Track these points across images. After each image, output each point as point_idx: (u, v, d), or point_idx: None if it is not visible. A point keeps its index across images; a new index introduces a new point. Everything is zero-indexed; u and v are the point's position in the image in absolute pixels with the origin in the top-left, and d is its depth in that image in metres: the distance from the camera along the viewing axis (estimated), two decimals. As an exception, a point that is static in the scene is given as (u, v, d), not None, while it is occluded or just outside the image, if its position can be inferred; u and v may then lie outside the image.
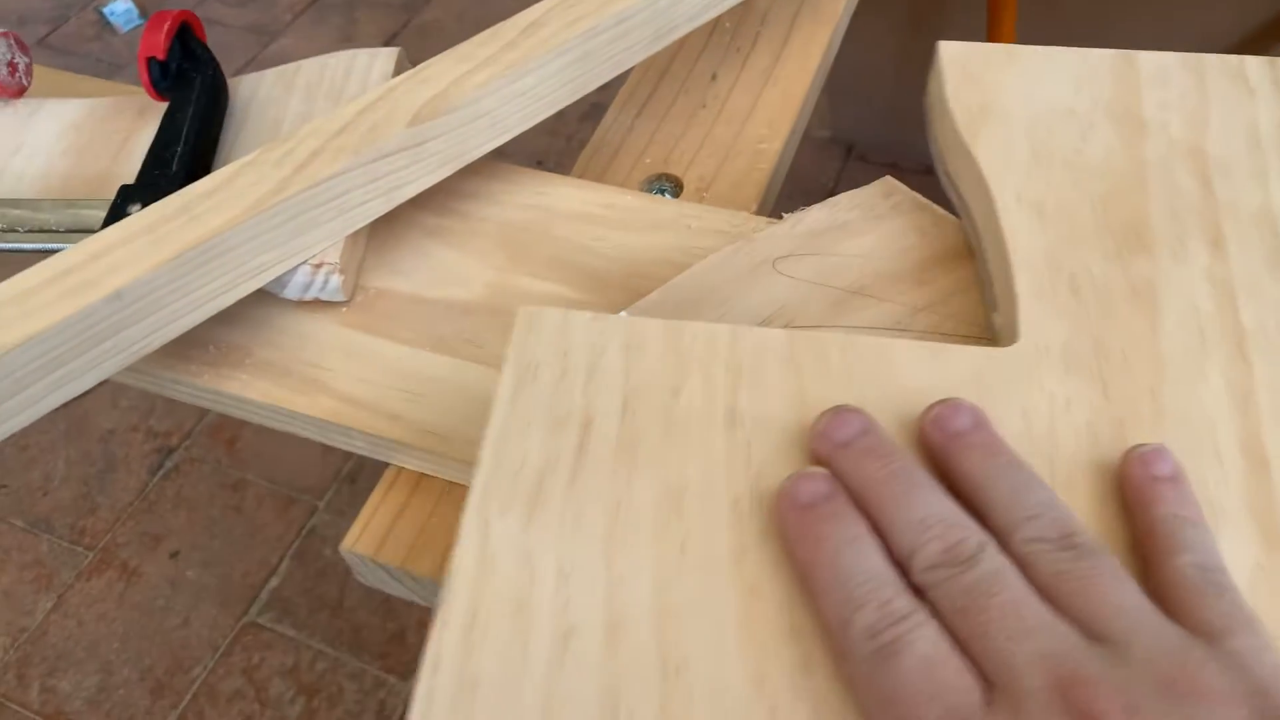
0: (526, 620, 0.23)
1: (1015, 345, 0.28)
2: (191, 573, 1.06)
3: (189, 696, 0.97)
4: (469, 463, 0.32)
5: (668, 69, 0.47)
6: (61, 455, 1.16)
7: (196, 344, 0.35)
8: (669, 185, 0.42)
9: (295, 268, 0.35)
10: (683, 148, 0.43)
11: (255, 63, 1.64)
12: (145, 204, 0.33)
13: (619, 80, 0.44)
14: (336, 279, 0.35)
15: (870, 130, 1.35)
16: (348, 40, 1.66)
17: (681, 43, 0.48)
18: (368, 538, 0.32)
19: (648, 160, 0.43)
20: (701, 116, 0.45)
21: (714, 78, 0.46)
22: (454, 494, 0.33)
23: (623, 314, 0.33)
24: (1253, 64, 0.35)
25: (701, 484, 0.25)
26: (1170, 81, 0.34)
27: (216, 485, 1.12)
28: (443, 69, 0.37)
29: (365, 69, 0.42)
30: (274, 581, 1.05)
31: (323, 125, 0.35)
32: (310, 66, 0.42)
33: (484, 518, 0.24)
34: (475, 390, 0.33)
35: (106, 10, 1.70)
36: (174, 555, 1.07)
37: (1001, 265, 0.30)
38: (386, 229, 0.38)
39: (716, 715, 0.21)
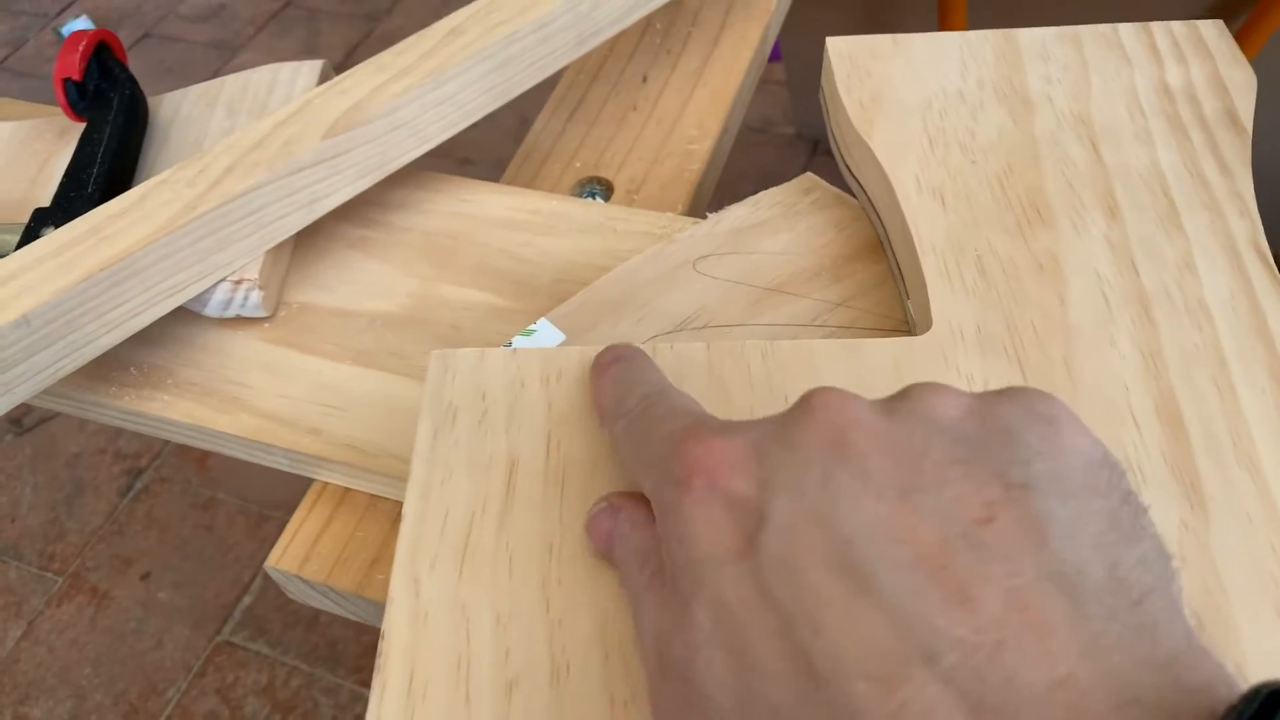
0: (467, 676, 0.22)
1: (929, 332, 0.28)
2: (163, 594, 1.05)
3: (163, 719, 0.97)
4: (391, 475, 0.32)
5: (599, 72, 0.47)
6: (28, 481, 1.15)
7: (118, 366, 0.35)
8: (599, 188, 0.42)
9: (215, 285, 0.34)
10: (613, 150, 0.43)
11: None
12: (59, 226, 0.33)
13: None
14: (256, 295, 0.35)
15: (833, 125, 1.35)
16: (310, 53, 1.66)
17: (612, 45, 0.48)
18: (291, 554, 0.31)
19: (578, 164, 0.43)
20: (632, 119, 0.45)
21: (645, 80, 0.46)
22: (378, 508, 0.32)
23: (543, 320, 0.33)
24: (1126, 30, 0.35)
25: None
26: (1051, 55, 0.34)
27: (187, 505, 1.12)
28: (360, 79, 0.36)
29: (289, 82, 0.41)
30: (247, 599, 1.04)
31: (238, 141, 0.35)
32: (233, 82, 0.42)
33: (413, 574, 0.23)
34: (396, 402, 0.33)
35: (64, 30, 1.69)
36: (145, 577, 1.07)
37: (908, 252, 0.30)
38: (310, 243, 0.38)
39: None
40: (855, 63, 0.35)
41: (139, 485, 1.14)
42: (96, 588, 1.06)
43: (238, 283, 0.34)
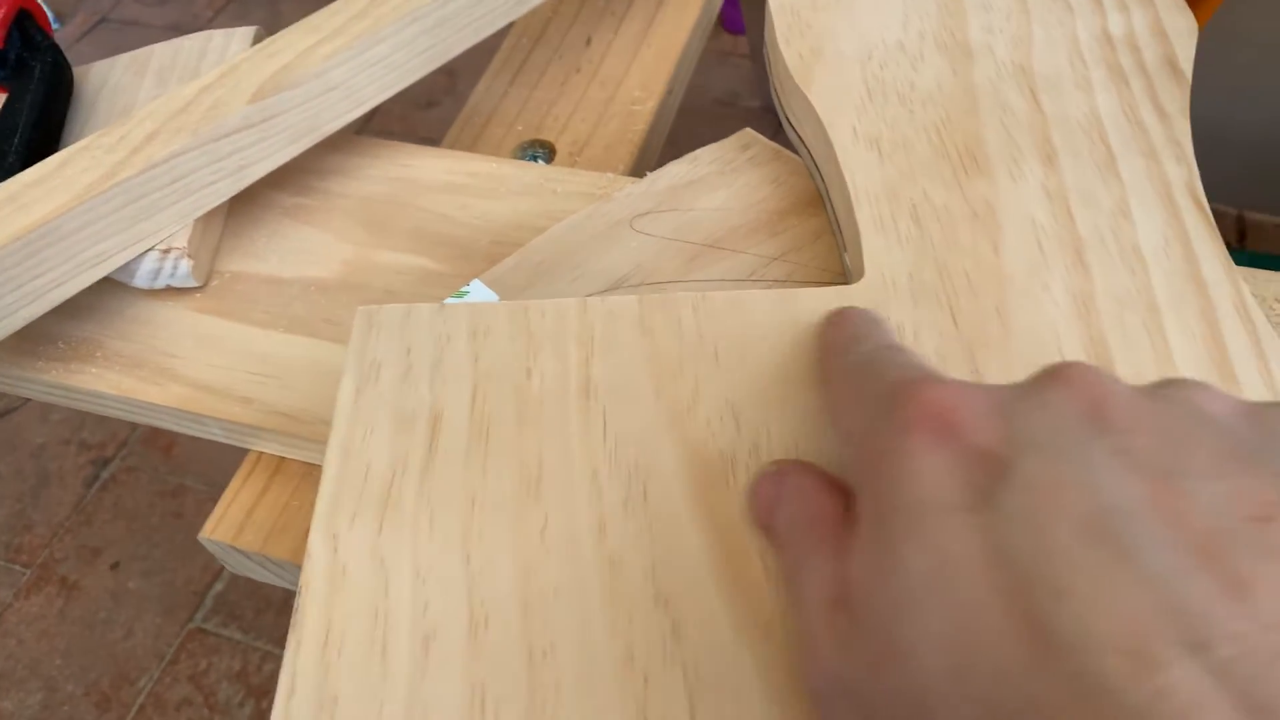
0: (384, 630, 0.21)
1: (862, 281, 0.28)
2: (133, 583, 1.04)
3: (136, 708, 0.96)
4: (325, 443, 0.31)
5: (542, 35, 0.46)
6: (-8, 473, 1.13)
7: (45, 339, 0.34)
8: (541, 151, 0.41)
9: (143, 255, 0.34)
10: (556, 113, 0.43)
11: (176, 61, 1.59)
12: (-22, 197, 0.32)
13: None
14: (186, 264, 0.34)
15: (800, 97, 1.34)
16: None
17: (556, 8, 0.47)
18: (226, 524, 0.31)
19: (520, 128, 0.42)
20: (575, 81, 0.44)
21: (589, 42, 0.46)
22: (313, 476, 0.32)
23: (476, 281, 0.32)
24: None
25: (558, 462, 0.24)
26: (993, 5, 0.34)
27: (155, 493, 1.11)
28: (290, 41, 0.36)
29: (221, 49, 0.41)
30: (218, 586, 1.03)
31: (161, 106, 0.34)
32: (163, 50, 0.41)
33: (332, 530, 0.23)
34: (330, 368, 0.32)
35: (19, 15, 1.65)
36: (114, 567, 1.06)
37: (844, 203, 0.30)
38: (244, 211, 0.37)
39: (587, 694, 0.21)
40: (796, 15, 0.35)
41: (105, 474, 1.12)
42: (65, 578, 1.05)
43: (166, 252, 0.34)
